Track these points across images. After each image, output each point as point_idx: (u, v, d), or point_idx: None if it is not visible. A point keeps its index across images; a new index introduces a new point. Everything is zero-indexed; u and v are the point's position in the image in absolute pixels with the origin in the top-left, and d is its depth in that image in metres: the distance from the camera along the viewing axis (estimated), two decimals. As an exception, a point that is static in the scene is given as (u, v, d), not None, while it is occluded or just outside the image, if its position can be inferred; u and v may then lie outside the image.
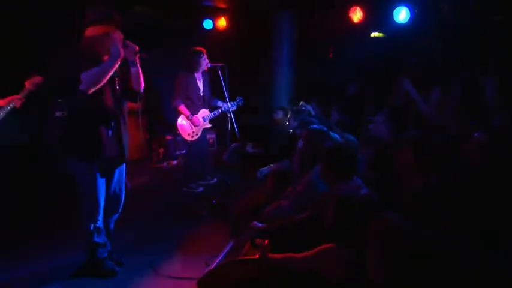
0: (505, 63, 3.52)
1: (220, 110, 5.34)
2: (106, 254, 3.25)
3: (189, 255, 3.66)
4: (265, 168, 4.29)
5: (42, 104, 4.92)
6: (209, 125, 5.41)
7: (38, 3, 5.26)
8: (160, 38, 6.45)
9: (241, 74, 6.99)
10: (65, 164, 3.07)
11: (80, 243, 3.23)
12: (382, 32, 6.65)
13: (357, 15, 6.06)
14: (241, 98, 5.29)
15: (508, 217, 2.01)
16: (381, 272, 1.76)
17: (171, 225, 4.40)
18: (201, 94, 5.33)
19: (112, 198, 3.25)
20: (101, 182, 3.09)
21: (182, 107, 5.19)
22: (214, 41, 6.78)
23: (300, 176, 3.41)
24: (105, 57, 2.99)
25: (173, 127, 5.43)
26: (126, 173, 3.38)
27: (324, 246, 2.10)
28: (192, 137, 5.29)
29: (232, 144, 5.90)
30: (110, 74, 2.93)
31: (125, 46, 3.02)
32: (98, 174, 3.04)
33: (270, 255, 2.31)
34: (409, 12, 5.49)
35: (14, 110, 3.40)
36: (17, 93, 3.40)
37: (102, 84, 2.91)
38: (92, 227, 3.11)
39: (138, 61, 3.13)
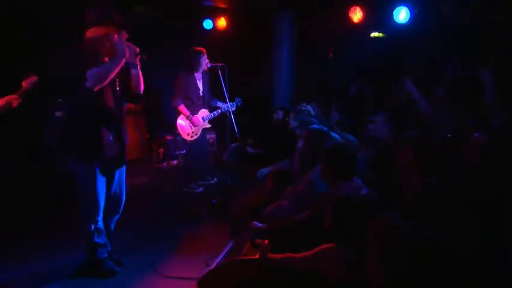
0: (505, 63, 3.52)
1: (219, 111, 5.34)
2: (106, 255, 3.25)
3: (189, 255, 3.66)
4: (265, 168, 4.29)
5: (40, 104, 4.93)
6: (208, 125, 5.41)
7: (38, 3, 5.26)
8: (160, 38, 6.45)
9: (241, 74, 7.00)
10: (65, 164, 3.07)
11: (80, 243, 3.23)
12: (382, 32, 6.66)
13: (357, 15, 6.06)
14: (240, 99, 5.29)
15: (508, 217, 2.01)
16: (381, 272, 1.76)
17: (171, 225, 4.40)
18: (201, 94, 5.33)
19: (113, 199, 3.25)
20: (101, 182, 3.09)
21: (182, 107, 5.19)
22: (214, 41, 6.78)
23: (300, 176, 3.41)
24: (106, 58, 2.99)
25: (173, 127, 5.43)
26: (126, 173, 3.38)
27: (323, 246, 2.10)
28: (192, 137, 5.29)
29: (232, 144, 5.90)
30: (116, 72, 2.95)
31: (127, 47, 3.03)
32: (98, 174, 3.04)
33: (270, 255, 2.31)
34: (409, 12, 5.49)
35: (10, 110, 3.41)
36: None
37: (107, 82, 2.93)
38: (92, 228, 3.11)
39: (138, 63, 3.14)
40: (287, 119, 5.19)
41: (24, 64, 4.60)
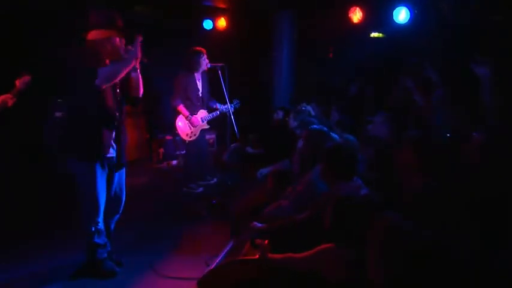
0: (505, 63, 3.52)
1: (218, 112, 5.34)
2: (106, 255, 3.25)
3: (189, 255, 3.66)
4: (265, 168, 4.29)
5: (40, 104, 4.93)
6: (207, 126, 5.41)
7: (38, 3, 5.27)
8: (160, 38, 6.45)
9: (241, 74, 7.00)
10: (65, 164, 3.07)
11: (80, 243, 3.23)
12: (382, 32, 6.66)
13: (356, 15, 6.07)
14: (238, 101, 5.28)
15: (508, 217, 2.01)
16: (381, 272, 1.76)
17: (171, 225, 4.40)
18: (200, 95, 5.33)
19: (113, 199, 3.26)
20: (101, 183, 3.09)
21: (181, 107, 5.19)
22: (214, 41, 6.79)
23: (300, 176, 3.41)
24: (107, 61, 3.00)
25: (173, 127, 5.43)
26: (126, 174, 3.38)
27: (323, 246, 2.10)
28: (190, 137, 5.29)
29: (232, 145, 5.90)
30: (126, 72, 3.00)
31: (126, 51, 3.04)
32: (98, 175, 3.04)
33: (270, 255, 2.31)
34: (408, 13, 5.49)
35: (5, 109, 3.41)
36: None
37: (115, 81, 2.97)
38: (92, 229, 3.11)
39: (138, 66, 3.15)
40: (287, 119, 5.19)
41: (24, 64, 4.60)
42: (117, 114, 3.13)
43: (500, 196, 2.09)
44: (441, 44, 4.94)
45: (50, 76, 3.28)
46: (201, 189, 5.49)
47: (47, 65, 4.52)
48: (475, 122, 3.17)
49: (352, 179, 2.74)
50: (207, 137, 6.10)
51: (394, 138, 3.45)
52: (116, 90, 3.12)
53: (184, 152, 6.23)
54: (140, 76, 3.21)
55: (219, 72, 4.89)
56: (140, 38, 3.03)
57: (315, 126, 3.54)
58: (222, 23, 7.18)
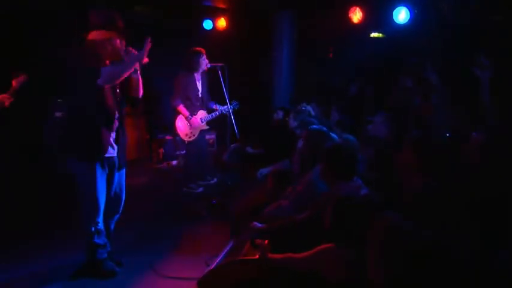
0: (505, 63, 3.52)
1: (217, 113, 5.34)
2: (106, 255, 3.24)
3: (189, 255, 3.66)
4: (265, 168, 4.29)
5: (40, 104, 4.94)
6: (206, 127, 5.41)
7: (38, 3, 5.27)
8: (160, 38, 6.43)
9: (241, 74, 7.00)
10: (65, 164, 3.07)
11: (80, 243, 3.23)
12: (382, 32, 6.66)
13: (356, 15, 6.07)
14: (236, 103, 5.25)
15: (508, 217, 2.01)
16: (381, 272, 1.76)
17: (171, 225, 4.40)
18: (200, 95, 5.33)
19: (113, 199, 3.25)
20: (101, 183, 3.09)
21: (181, 107, 5.19)
22: (214, 41, 6.79)
23: (300, 176, 3.41)
24: (107, 62, 3.01)
25: (172, 127, 5.43)
26: (126, 174, 3.39)
27: (323, 246, 2.10)
28: (190, 137, 5.29)
29: (232, 145, 5.90)
30: (129, 72, 3.01)
31: (126, 52, 3.04)
32: (98, 175, 3.04)
33: (270, 255, 2.31)
34: (408, 13, 5.49)
35: (3, 109, 3.42)
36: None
37: (117, 82, 2.98)
38: (92, 229, 3.11)
39: (139, 68, 3.15)
40: (287, 119, 5.19)
41: (24, 64, 4.61)
42: (117, 114, 3.13)
43: (500, 196, 2.09)
44: (441, 44, 4.94)
45: (50, 76, 3.29)
46: (201, 189, 5.49)
47: (47, 65, 4.53)
48: (475, 122, 3.17)
49: (352, 179, 2.74)
50: (207, 137, 6.09)
51: (394, 138, 3.45)
52: (116, 91, 3.12)
53: (184, 152, 6.23)
54: (140, 77, 3.21)
55: (219, 72, 4.89)
56: (149, 40, 3.03)
57: (314, 126, 3.54)
58: (222, 23, 7.18)
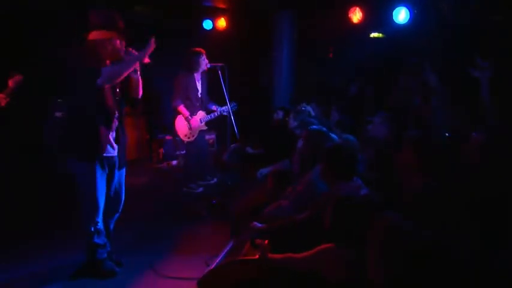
0: (505, 63, 3.52)
1: (216, 113, 5.34)
2: (106, 255, 3.24)
3: (189, 255, 3.66)
4: (265, 168, 4.29)
5: (40, 104, 4.93)
6: (205, 128, 5.40)
7: (38, 3, 5.27)
8: (160, 38, 6.43)
9: (241, 74, 7.01)
10: (65, 164, 3.07)
11: (80, 243, 3.23)
12: (382, 32, 6.66)
13: (356, 15, 6.07)
14: (235, 104, 5.25)
15: (508, 217, 2.01)
16: (381, 272, 1.76)
17: (171, 225, 4.39)
18: (199, 95, 5.33)
19: (112, 198, 3.25)
20: (101, 182, 3.09)
21: (181, 108, 5.19)
22: (214, 41, 6.79)
23: (300, 176, 3.41)
24: (107, 62, 3.01)
25: (172, 127, 5.43)
26: (126, 174, 3.39)
27: (323, 246, 2.10)
28: (189, 138, 5.29)
29: (232, 145, 5.90)
30: (129, 71, 3.00)
31: (126, 53, 3.04)
32: (98, 175, 3.04)
33: (270, 255, 2.31)
34: (408, 13, 5.49)
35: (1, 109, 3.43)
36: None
37: (118, 81, 2.97)
38: (92, 228, 3.11)
39: (139, 68, 3.15)
40: (287, 119, 5.19)
41: (24, 64, 4.61)
42: (117, 113, 3.13)
43: (500, 196, 2.09)
44: (441, 44, 4.94)
45: (50, 76, 3.28)
46: (201, 189, 5.49)
47: (47, 65, 4.53)
48: (475, 122, 3.18)
49: (352, 179, 2.74)
50: (207, 137, 6.09)
51: (394, 138, 3.45)
52: (116, 90, 3.12)
53: (184, 152, 6.24)
54: (140, 77, 3.21)
55: (219, 72, 4.89)
56: (154, 40, 3.02)
57: (314, 126, 3.54)
58: (221, 23, 7.18)
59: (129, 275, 3.29)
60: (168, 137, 7.11)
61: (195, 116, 5.27)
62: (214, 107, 5.37)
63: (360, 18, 6.06)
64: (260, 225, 2.98)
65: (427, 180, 2.41)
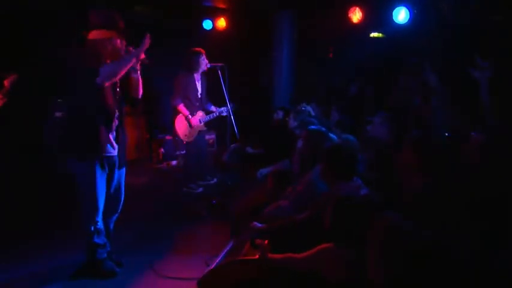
0: (505, 63, 3.52)
1: (215, 114, 5.34)
2: (106, 255, 3.25)
3: (189, 255, 3.66)
4: (265, 168, 4.29)
5: (40, 104, 4.93)
6: (204, 128, 5.40)
7: (38, 3, 5.27)
8: (160, 38, 6.43)
9: (241, 74, 7.01)
10: (65, 164, 3.07)
11: (80, 243, 3.23)
12: (382, 32, 6.66)
13: (356, 15, 6.07)
14: (233, 105, 5.25)
15: (508, 217, 2.01)
16: (381, 272, 1.76)
17: (171, 225, 4.39)
18: (199, 96, 5.33)
19: (112, 198, 3.25)
20: (101, 182, 3.09)
21: (181, 107, 5.18)
22: (214, 41, 6.79)
23: (300, 176, 3.41)
24: (108, 60, 3.01)
25: (172, 127, 5.43)
26: (126, 173, 3.39)
27: (323, 246, 2.10)
28: (188, 138, 5.29)
29: (232, 145, 5.90)
30: (127, 68, 2.98)
31: (127, 52, 3.04)
32: (98, 174, 3.04)
33: (270, 255, 2.31)
34: (408, 13, 5.49)
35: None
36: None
37: (116, 79, 2.97)
38: (92, 228, 3.11)
39: (139, 67, 3.15)
40: (287, 119, 5.19)
41: (25, 64, 4.61)
42: (117, 113, 3.13)
43: (500, 196, 2.09)
44: (441, 44, 4.94)
45: (50, 76, 3.28)
46: (201, 189, 5.49)
47: (47, 65, 4.53)
48: (474, 122, 3.18)
49: (352, 179, 2.74)
50: (207, 137, 6.09)
51: (394, 138, 3.45)
52: (116, 90, 3.12)
53: (184, 152, 6.24)
54: (140, 77, 3.21)
55: (219, 72, 4.89)
56: (149, 37, 3.01)
57: (313, 126, 3.54)
58: (221, 23, 7.18)
59: (129, 275, 3.29)
60: (168, 137, 7.11)
61: (194, 116, 5.27)
62: (212, 108, 5.37)
63: (359, 18, 6.06)
64: (260, 225, 2.98)
65: (427, 180, 2.41)
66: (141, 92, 3.27)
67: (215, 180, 5.72)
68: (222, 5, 7.15)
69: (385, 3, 5.73)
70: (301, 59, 7.02)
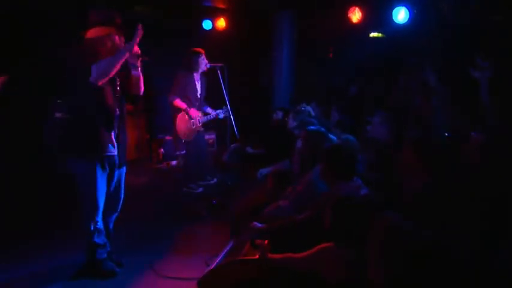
0: (505, 63, 3.52)
1: (212, 116, 5.33)
2: (106, 255, 3.25)
3: (189, 255, 3.66)
4: (265, 168, 4.29)
5: (40, 104, 4.92)
6: (202, 129, 5.38)
7: (38, 3, 5.27)
8: (160, 38, 6.45)
9: (241, 74, 7.01)
10: (65, 164, 3.07)
11: (80, 243, 3.23)
12: (382, 32, 6.67)
13: (356, 15, 6.07)
14: (228, 108, 5.22)
15: (508, 217, 2.01)
16: (381, 272, 1.76)
17: (171, 225, 4.39)
18: (198, 96, 5.32)
19: (112, 197, 3.25)
20: (101, 182, 3.09)
21: (178, 101, 5.12)
22: (214, 41, 6.79)
23: (300, 176, 3.41)
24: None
25: (172, 127, 5.42)
26: (126, 173, 3.39)
27: (323, 245, 2.10)
28: (188, 137, 5.28)
29: (232, 145, 5.90)
30: (120, 64, 2.94)
31: None
32: (98, 174, 3.04)
33: (270, 255, 2.31)
34: (408, 13, 5.49)
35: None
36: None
37: (111, 75, 2.93)
38: (92, 228, 3.11)
39: (139, 65, 3.14)
40: (286, 119, 5.19)
41: (24, 64, 4.60)
42: (118, 112, 3.12)
43: (500, 196, 2.09)
44: (441, 44, 4.94)
45: (50, 76, 3.28)
46: (201, 189, 5.49)
47: (46, 65, 4.52)
48: (474, 122, 3.17)
49: (352, 179, 2.74)
50: (207, 137, 6.08)
51: (394, 138, 3.45)
52: (116, 88, 3.11)
53: (184, 152, 6.24)
54: (141, 74, 3.20)
55: (219, 72, 4.88)
56: (140, 27, 2.96)
57: (312, 126, 3.54)
58: (221, 23, 7.18)
59: (129, 275, 3.29)
60: (168, 137, 7.11)
61: (193, 108, 5.22)
62: (209, 110, 5.36)
63: (359, 18, 6.06)
64: (260, 225, 2.98)
65: (427, 180, 2.41)
66: (142, 88, 3.25)
67: (215, 180, 5.72)
68: (222, 5, 7.15)
69: (385, 3, 5.73)
70: (301, 59, 7.02)
